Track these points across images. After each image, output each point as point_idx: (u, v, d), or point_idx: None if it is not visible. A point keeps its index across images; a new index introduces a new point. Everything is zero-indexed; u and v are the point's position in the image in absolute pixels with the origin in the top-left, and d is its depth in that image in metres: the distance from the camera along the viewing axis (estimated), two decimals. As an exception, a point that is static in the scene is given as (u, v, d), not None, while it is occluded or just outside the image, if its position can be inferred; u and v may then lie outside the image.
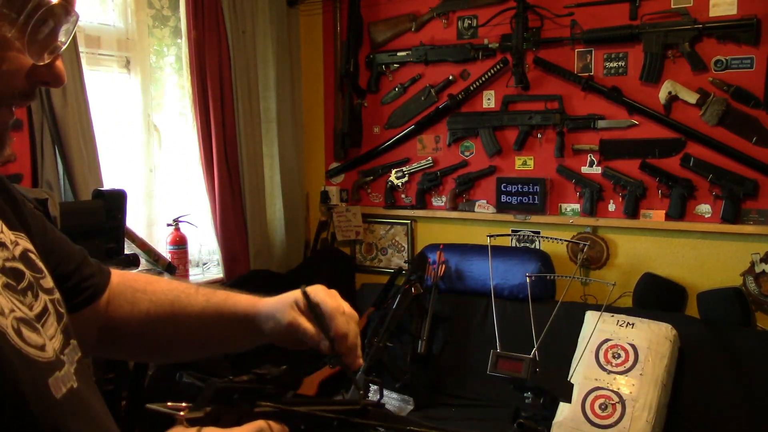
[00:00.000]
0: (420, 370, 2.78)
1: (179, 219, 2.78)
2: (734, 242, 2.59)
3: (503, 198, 3.01)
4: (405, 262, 3.32)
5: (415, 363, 2.78)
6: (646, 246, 2.78)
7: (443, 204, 3.20)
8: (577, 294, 2.85)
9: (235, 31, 2.99)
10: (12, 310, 0.68)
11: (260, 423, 0.70)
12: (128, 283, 0.97)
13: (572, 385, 2.19)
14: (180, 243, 2.76)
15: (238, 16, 3.00)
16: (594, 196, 2.82)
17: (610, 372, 2.35)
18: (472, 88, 3.03)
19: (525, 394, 2.14)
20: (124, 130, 2.67)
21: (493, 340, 2.31)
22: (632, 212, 2.75)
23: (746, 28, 2.46)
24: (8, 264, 0.72)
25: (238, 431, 0.68)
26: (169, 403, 0.66)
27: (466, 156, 3.13)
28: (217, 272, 3.07)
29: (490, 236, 2.73)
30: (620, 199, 2.79)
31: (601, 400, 2.30)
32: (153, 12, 2.83)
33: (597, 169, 2.83)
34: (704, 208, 2.63)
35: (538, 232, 2.98)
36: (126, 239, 2.27)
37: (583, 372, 2.38)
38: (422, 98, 3.19)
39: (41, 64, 0.68)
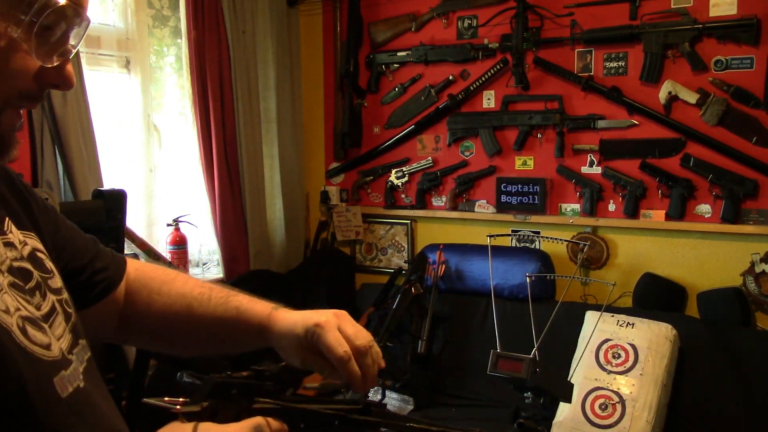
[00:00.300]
0: (420, 370, 2.78)
1: (179, 219, 2.78)
2: (734, 242, 2.59)
3: (503, 198, 3.01)
4: (405, 262, 3.32)
5: (415, 363, 2.78)
6: (646, 246, 2.78)
7: (443, 204, 3.20)
8: (577, 294, 2.85)
9: (235, 31, 2.99)
10: (17, 309, 0.68)
11: (258, 419, 0.70)
12: (144, 280, 0.97)
13: (572, 385, 2.19)
14: (180, 243, 2.76)
15: (238, 16, 3.00)
16: (594, 196, 2.82)
17: (610, 372, 2.35)
18: (472, 88, 3.03)
19: (525, 394, 2.14)
20: (124, 130, 2.67)
21: (493, 340, 2.31)
22: (632, 212, 2.75)
23: (746, 28, 2.46)
24: (16, 264, 0.73)
25: (236, 427, 0.68)
26: (166, 398, 0.66)
27: (466, 156, 3.13)
28: (217, 272, 3.07)
29: (490, 236, 2.73)
30: (620, 199, 2.79)
31: (601, 400, 2.30)
32: (153, 12, 2.83)
33: (597, 169, 2.83)
34: (704, 208, 2.63)
35: (538, 232, 2.98)
36: (126, 239, 2.27)
37: (583, 372, 2.38)
38: (422, 98, 3.19)
39: (50, 66, 0.68)
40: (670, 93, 2.62)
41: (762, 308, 2.55)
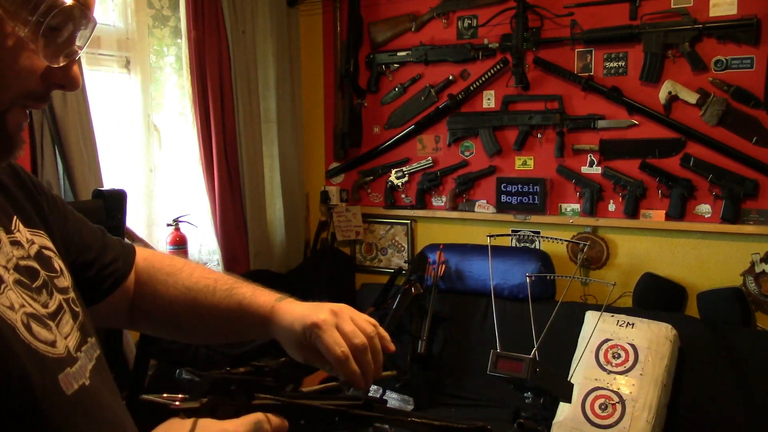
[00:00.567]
0: (420, 370, 2.78)
1: (179, 219, 2.78)
2: (734, 242, 2.59)
3: (503, 198, 3.01)
4: (405, 262, 3.32)
5: (415, 363, 2.78)
6: (646, 246, 2.78)
7: (443, 204, 3.20)
8: (577, 294, 2.85)
9: (235, 31, 2.99)
10: (22, 306, 0.69)
11: (258, 415, 0.70)
12: (151, 271, 0.98)
13: (572, 385, 2.19)
14: (180, 243, 2.76)
15: (238, 16, 3.00)
16: (594, 196, 2.82)
17: (610, 372, 2.35)
18: (472, 88, 3.03)
19: (525, 394, 2.14)
20: (124, 130, 2.67)
21: (493, 340, 2.30)
22: (632, 212, 2.75)
23: (746, 28, 2.46)
24: (22, 262, 0.73)
25: (236, 423, 0.68)
26: (164, 395, 0.66)
27: (466, 156, 3.13)
28: (217, 272, 3.06)
29: (490, 236, 2.73)
30: (620, 199, 2.79)
31: (601, 400, 2.30)
32: (153, 12, 2.83)
33: (597, 169, 2.83)
34: (704, 208, 2.63)
35: (538, 232, 2.98)
36: (126, 239, 2.27)
37: (583, 372, 2.38)
38: (422, 98, 3.19)
39: (56, 66, 0.68)
40: (670, 93, 2.62)
41: (762, 308, 2.55)
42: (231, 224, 3.04)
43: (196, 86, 2.85)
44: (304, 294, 3.23)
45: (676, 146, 2.66)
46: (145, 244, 2.49)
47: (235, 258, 3.07)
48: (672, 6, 2.61)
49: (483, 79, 2.99)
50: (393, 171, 3.30)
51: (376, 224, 3.42)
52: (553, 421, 2.35)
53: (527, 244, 3.01)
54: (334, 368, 0.83)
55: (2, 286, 0.68)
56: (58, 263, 0.80)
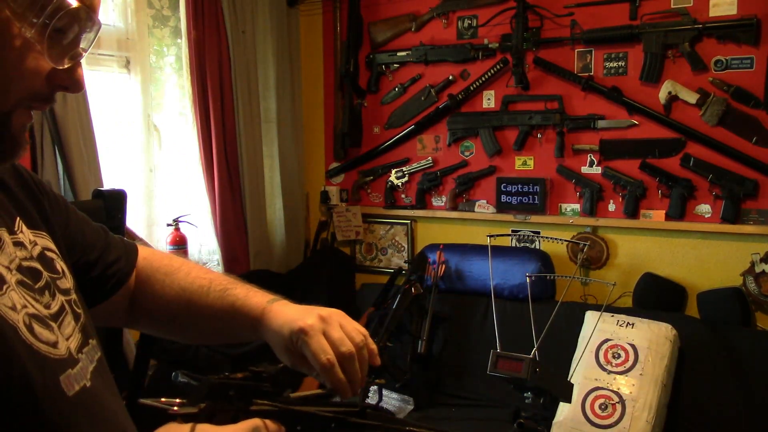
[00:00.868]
0: (420, 370, 2.78)
1: (179, 219, 2.78)
2: (734, 242, 2.59)
3: (503, 198, 3.01)
4: (405, 262, 3.32)
5: (415, 363, 2.78)
6: (646, 246, 2.78)
7: (443, 204, 3.20)
8: (577, 294, 2.85)
9: (235, 31, 2.99)
10: (24, 306, 0.69)
11: (256, 421, 0.70)
12: (150, 271, 0.99)
13: (572, 385, 2.19)
14: (180, 243, 2.76)
15: (238, 16, 3.00)
16: (594, 196, 2.82)
17: (610, 372, 2.35)
18: (472, 88, 3.03)
19: (525, 394, 2.14)
20: (124, 130, 2.67)
21: (493, 340, 2.30)
22: (632, 212, 2.75)
23: (746, 28, 2.46)
24: (25, 263, 0.73)
25: (233, 429, 0.68)
26: (162, 399, 0.66)
27: (466, 156, 3.13)
28: (217, 272, 3.06)
29: (490, 236, 2.73)
30: (620, 199, 2.79)
31: (601, 400, 2.30)
32: (153, 12, 2.83)
33: (597, 169, 2.83)
34: (704, 208, 2.63)
35: (538, 232, 2.98)
36: (126, 239, 2.27)
37: (583, 372, 2.38)
38: (422, 98, 3.19)
39: (61, 68, 0.68)
40: (670, 93, 2.62)
41: (762, 308, 2.55)
42: (231, 224, 3.04)
43: (196, 86, 2.85)
44: (304, 294, 3.22)
45: (676, 146, 2.66)
46: (145, 244, 2.48)
47: (235, 258, 3.07)
48: (672, 6, 2.61)
49: (483, 79, 2.99)
50: (393, 171, 3.30)
51: (376, 224, 3.42)
52: (553, 421, 2.35)
53: (527, 244, 3.01)
54: (320, 375, 0.83)
55: (4, 287, 0.68)
56: (60, 265, 0.80)
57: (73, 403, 0.69)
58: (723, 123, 2.56)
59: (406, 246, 3.35)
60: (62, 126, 2.27)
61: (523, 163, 2.99)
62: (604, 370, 2.36)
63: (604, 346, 2.41)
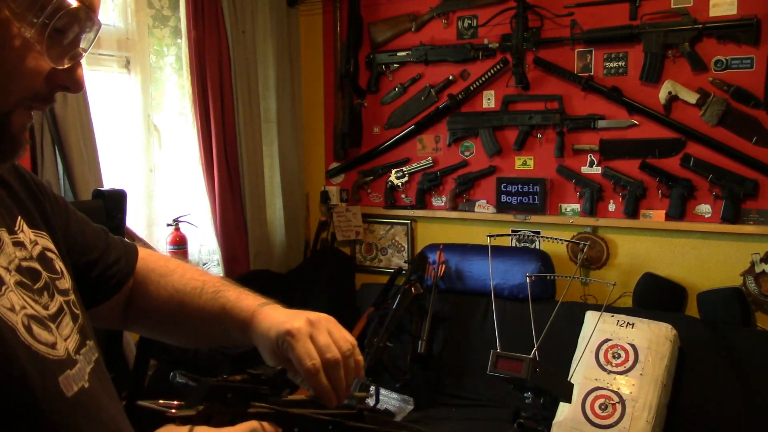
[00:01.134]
0: (420, 370, 2.78)
1: (179, 219, 2.78)
2: (734, 242, 2.59)
3: (503, 198, 3.01)
4: (405, 262, 3.32)
5: (415, 363, 2.78)
6: (646, 246, 2.78)
7: (443, 204, 3.20)
8: (577, 294, 2.85)
9: (235, 31, 2.99)
10: (23, 307, 0.69)
11: (253, 423, 0.70)
12: (145, 272, 0.99)
13: (572, 385, 2.19)
14: (180, 243, 2.76)
15: (238, 16, 3.00)
16: (594, 196, 2.82)
17: (610, 372, 2.35)
18: (472, 88, 3.03)
19: (525, 394, 2.14)
20: (124, 130, 2.67)
21: (493, 340, 2.31)
22: (632, 212, 2.75)
23: (746, 28, 2.46)
24: (25, 263, 0.73)
25: (231, 431, 0.68)
26: (160, 401, 0.66)
27: (466, 156, 3.13)
28: (217, 272, 3.06)
29: (490, 236, 2.73)
30: (620, 199, 2.79)
31: (601, 400, 2.30)
32: (153, 12, 2.83)
33: (597, 169, 2.83)
34: (704, 208, 2.63)
35: (538, 232, 2.98)
36: (126, 239, 2.27)
37: (583, 372, 2.38)
38: (422, 98, 3.19)
39: (61, 68, 0.68)
40: (670, 93, 2.62)
41: (762, 308, 2.55)
42: (231, 224, 3.04)
43: (196, 86, 2.85)
44: (304, 294, 3.22)
45: (676, 146, 2.66)
46: (145, 244, 2.49)
47: (235, 258, 3.07)
48: (672, 6, 2.61)
49: (483, 79, 2.99)
50: (393, 171, 3.30)
51: (376, 224, 3.42)
52: (553, 421, 2.35)
53: (527, 244, 3.01)
54: (305, 380, 0.81)
55: (3, 288, 0.68)
56: (59, 265, 0.80)
57: (72, 404, 0.69)
58: (723, 123, 2.56)
59: (406, 246, 3.35)
60: (62, 126, 2.27)
61: (523, 163, 2.99)
62: (604, 370, 2.36)
63: (604, 346, 2.41)
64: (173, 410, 0.64)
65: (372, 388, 2.46)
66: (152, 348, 2.17)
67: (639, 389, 2.27)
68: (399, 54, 3.21)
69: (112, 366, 2.09)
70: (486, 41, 3.00)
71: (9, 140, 0.69)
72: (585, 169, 2.85)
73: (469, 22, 3.05)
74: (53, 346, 0.70)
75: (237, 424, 0.69)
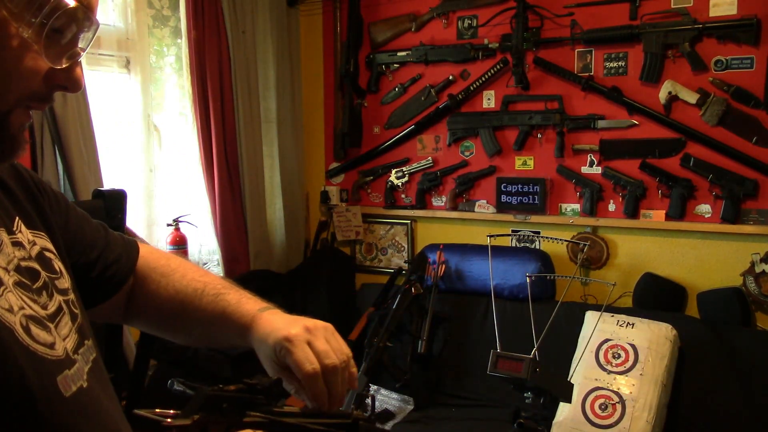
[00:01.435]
0: (420, 370, 2.77)
1: (179, 219, 2.78)
2: (734, 242, 2.59)
3: (503, 198, 3.01)
4: (405, 262, 3.32)
5: (415, 363, 2.78)
6: (646, 246, 2.78)
7: (443, 204, 3.20)
8: (577, 294, 2.85)
9: (235, 31, 2.99)
10: (21, 308, 0.69)
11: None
12: (146, 271, 0.98)
13: (572, 385, 2.19)
14: (180, 243, 2.76)
15: (238, 16, 3.00)
16: (594, 196, 2.82)
17: (610, 372, 2.35)
18: (472, 88, 3.03)
19: (525, 394, 2.14)
20: (124, 130, 2.67)
21: (493, 340, 2.30)
22: (632, 212, 2.75)
23: (746, 28, 2.46)
24: (23, 263, 0.73)
25: None
26: (157, 410, 0.65)
27: (466, 156, 3.13)
28: (217, 272, 3.06)
29: (490, 236, 2.73)
30: (620, 199, 2.79)
31: (601, 400, 2.30)
32: (153, 12, 2.83)
33: (597, 169, 2.83)
34: (704, 208, 2.63)
35: (538, 232, 2.98)
36: (126, 236, 2.26)
37: (583, 372, 2.38)
38: (422, 98, 3.19)
39: (59, 68, 0.68)
40: (670, 93, 2.62)
41: (762, 308, 2.55)
42: (231, 224, 3.04)
43: (196, 86, 2.85)
44: (304, 294, 3.21)
45: (676, 146, 2.66)
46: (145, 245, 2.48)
47: (235, 258, 3.07)
48: (672, 6, 2.61)
49: (483, 79, 2.99)
50: (393, 171, 3.30)
51: (376, 224, 3.42)
52: (553, 421, 2.35)
53: (527, 244, 3.01)
54: (302, 385, 0.80)
55: (1, 289, 0.68)
56: (58, 265, 0.80)
57: (70, 404, 0.69)
58: (723, 123, 2.56)
59: (406, 246, 3.35)
60: (62, 126, 2.27)
61: (523, 163, 2.99)
62: (604, 370, 2.36)
63: (604, 346, 2.41)
64: (169, 420, 0.64)
65: (368, 401, 2.45)
66: (152, 348, 2.17)
67: (639, 389, 2.27)
68: (399, 54, 3.21)
69: (112, 366, 2.10)
70: (486, 41, 3.00)
71: (8, 140, 0.69)
72: (585, 169, 2.85)
73: (469, 22, 3.05)
74: (51, 346, 0.70)
75: None
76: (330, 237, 3.48)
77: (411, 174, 3.27)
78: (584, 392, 2.33)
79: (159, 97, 2.91)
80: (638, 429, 2.20)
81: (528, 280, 2.60)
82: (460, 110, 3.10)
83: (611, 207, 2.81)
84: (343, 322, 3.05)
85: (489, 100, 3.04)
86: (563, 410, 2.35)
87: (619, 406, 2.26)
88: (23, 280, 0.72)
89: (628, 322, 2.44)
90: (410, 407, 2.72)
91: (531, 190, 2.94)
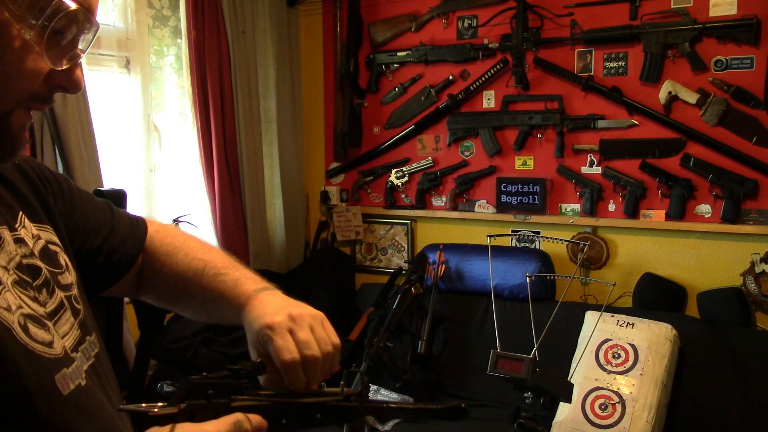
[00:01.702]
0: (420, 370, 2.78)
1: (179, 219, 2.78)
2: (734, 242, 2.59)
3: (503, 198, 3.01)
4: (405, 262, 3.31)
5: (415, 363, 2.78)
6: (646, 246, 2.78)
7: (443, 204, 3.20)
8: (577, 294, 2.85)
9: (235, 31, 2.99)
10: (20, 307, 0.69)
11: (238, 415, 0.69)
12: (152, 249, 0.99)
13: (572, 385, 2.19)
14: (180, 243, 2.76)
15: (238, 16, 3.00)
16: (594, 196, 2.82)
17: (610, 372, 2.35)
18: (472, 88, 3.03)
19: (525, 394, 2.13)
20: (124, 130, 2.67)
21: (493, 340, 2.30)
22: (632, 212, 2.75)
23: (746, 28, 2.46)
24: (25, 261, 0.74)
25: (215, 424, 0.68)
26: (143, 405, 0.65)
27: (466, 156, 3.13)
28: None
29: (490, 236, 2.73)
30: (620, 199, 2.79)
31: (601, 400, 2.30)
32: (153, 12, 2.83)
33: (597, 169, 2.83)
34: (704, 208, 2.63)
35: (538, 232, 2.98)
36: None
37: (583, 372, 2.38)
38: (422, 98, 3.19)
39: (59, 69, 0.69)
40: (670, 93, 2.62)
41: (762, 308, 2.55)
42: (231, 224, 3.04)
43: (196, 86, 2.85)
44: (304, 294, 3.22)
45: (676, 146, 2.66)
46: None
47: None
48: (672, 6, 2.61)
49: (483, 79, 2.99)
50: (393, 171, 3.30)
51: (376, 224, 3.42)
52: (553, 421, 2.35)
53: (527, 244, 3.01)
54: (281, 373, 0.79)
55: (0, 288, 0.68)
56: (63, 258, 0.81)
57: (69, 402, 0.70)
58: (723, 123, 2.56)
59: (406, 246, 3.35)
60: (62, 126, 2.27)
61: (523, 163, 2.99)
62: (604, 370, 2.36)
63: (604, 346, 2.41)
64: (155, 410, 0.64)
65: (373, 388, 2.46)
66: (152, 348, 2.18)
67: (639, 389, 2.27)
68: (399, 54, 3.21)
69: (112, 366, 2.10)
70: (486, 41, 3.00)
71: (9, 140, 0.70)
72: (585, 169, 2.85)
73: (469, 22, 3.05)
74: (50, 344, 0.71)
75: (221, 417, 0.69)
76: (330, 237, 3.49)
77: (411, 174, 3.27)
78: (584, 392, 2.33)
79: (159, 97, 2.91)
80: (638, 429, 2.20)
81: (528, 280, 2.60)
82: (460, 110, 3.10)
83: (611, 207, 2.81)
84: (343, 322, 3.05)
85: (489, 100, 3.04)
86: (563, 410, 2.35)
87: (619, 406, 2.26)
88: (23, 277, 0.72)
89: (628, 322, 2.44)
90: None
91: (531, 190, 2.94)
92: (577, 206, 2.88)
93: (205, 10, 2.85)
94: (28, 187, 0.82)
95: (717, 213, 2.60)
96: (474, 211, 3.12)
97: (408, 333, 2.84)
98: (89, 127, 2.38)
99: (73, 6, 0.67)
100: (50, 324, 0.73)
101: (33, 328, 0.69)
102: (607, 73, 2.77)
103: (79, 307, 0.79)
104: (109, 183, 2.47)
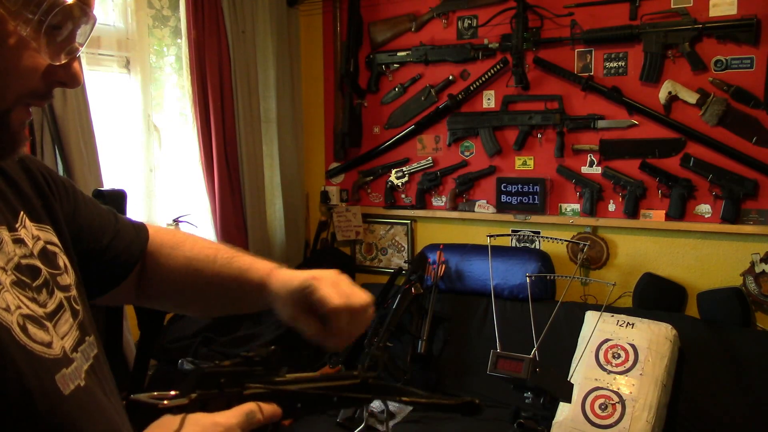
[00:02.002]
0: (420, 370, 2.78)
1: (179, 219, 2.78)
2: (734, 242, 2.59)
3: (503, 198, 3.01)
4: (405, 262, 3.31)
5: (415, 363, 2.78)
6: (646, 246, 2.78)
7: (443, 204, 3.20)
8: (577, 294, 2.85)
9: (235, 31, 2.99)
10: (18, 307, 0.69)
11: (250, 405, 0.69)
12: (156, 246, 1.00)
13: (572, 385, 2.20)
14: (180, 243, 2.76)
15: (238, 16, 3.00)
16: (594, 196, 2.82)
17: (610, 372, 2.35)
18: (472, 88, 3.03)
19: (525, 394, 2.14)
20: (124, 130, 2.67)
21: (493, 340, 2.31)
22: (632, 212, 2.75)
23: (746, 28, 2.46)
24: (24, 261, 0.73)
25: (227, 415, 0.67)
26: (155, 393, 0.65)
27: (466, 156, 3.13)
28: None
29: (490, 236, 2.73)
30: (620, 199, 2.79)
31: (601, 400, 2.30)
32: (153, 12, 2.83)
33: (597, 169, 2.83)
34: (704, 208, 2.63)
35: (538, 232, 2.98)
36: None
37: (583, 372, 2.38)
38: (422, 98, 3.19)
39: (57, 64, 0.69)
40: (670, 93, 2.62)
41: (762, 308, 2.55)
42: (231, 224, 3.04)
43: (196, 86, 2.85)
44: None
45: (676, 146, 2.66)
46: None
47: (235, 258, 3.06)
48: (672, 6, 2.61)
49: (483, 79, 2.99)
50: (393, 171, 3.30)
51: (376, 224, 3.42)
52: (553, 421, 2.35)
53: (527, 244, 3.01)
54: (321, 325, 0.82)
55: None
56: (62, 259, 0.80)
57: (70, 402, 0.70)
58: (723, 123, 2.56)
59: (406, 246, 3.35)
60: (62, 126, 2.27)
61: (523, 163, 2.99)
62: (604, 370, 2.36)
63: (604, 346, 2.41)
64: (165, 402, 0.64)
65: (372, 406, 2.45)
66: (152, 348, 2.17)
67: (639, 389, 2.27)
68: (399, 54, 3.21)
69: (112, 367, 2.10)
70: (486, 41, 3.00)
71: (9, 137, 0.70)
72: (585, 169, 2.85)
73: (469, 22, 3.05)
74: (49, 345, 0.70)
75: (233, 407, 0.69)
76: (330, 237, 3.49)
77: (411, 174, 3.27)
78: (584, 392, 2.33)
79: (159, 97, 2.91)
80: (638, 429, 2.20)
81: (528, 280, 2.60)
82: (460, 110, 3.10)
83: (611, 207, 2.81)
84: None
85: (489, 100, 3.04)
86: (563, 410, 2.35)
87: (619, 406, 2.26)
88: (23, 278, 0.72)
89: (628, 322, 2.44)
90: (410, 407, 2.72)
91: (531, 190, 2.94)
92: (577, 206, 2.88)
93: (205, 10, 2.85)
94: (31, 186, 0.82)
95: (717, 213, 2.60)
96: (474, 211, 3.12)
97: (408, 333, 2.84)
98: (89, 127, 2.38)
99: (69, 0, 0.67)
100: (49, 325, 0.72)
101: (32, 329, 0.69)
102: (607, 73, 2.77)
103: (78, 308, 0.79)
104: (109, 183, 2.47)
